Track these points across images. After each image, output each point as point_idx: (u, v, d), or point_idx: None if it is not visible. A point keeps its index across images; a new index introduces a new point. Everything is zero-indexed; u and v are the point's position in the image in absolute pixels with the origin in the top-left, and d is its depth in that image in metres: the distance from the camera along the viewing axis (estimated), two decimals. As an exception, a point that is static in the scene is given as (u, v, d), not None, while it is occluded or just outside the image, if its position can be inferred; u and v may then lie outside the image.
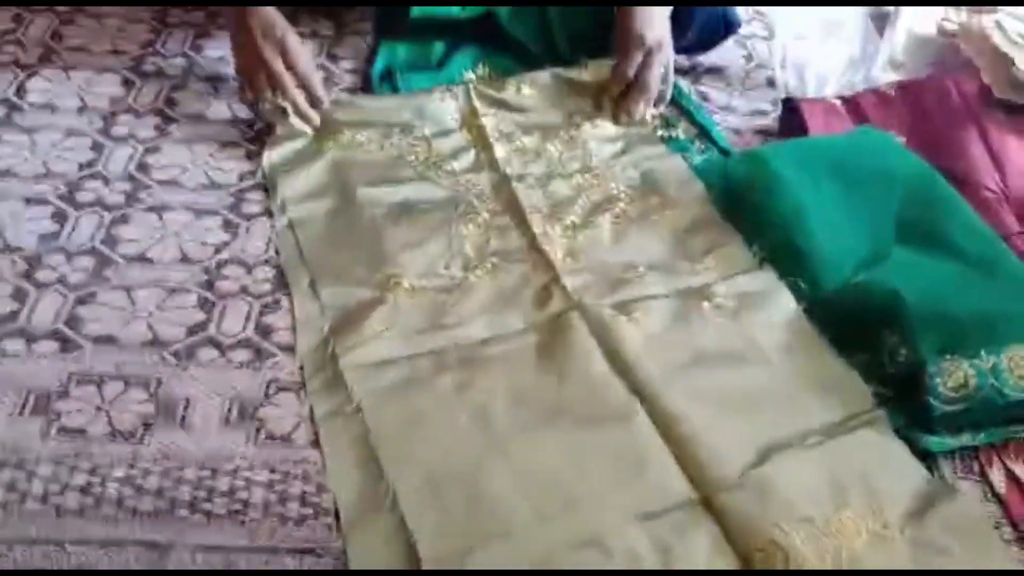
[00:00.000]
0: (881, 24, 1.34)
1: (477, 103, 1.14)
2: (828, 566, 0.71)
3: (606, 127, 1.13)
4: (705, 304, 0.92)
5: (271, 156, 1.06)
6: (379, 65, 1.21)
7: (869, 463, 0.79)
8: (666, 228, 1.01)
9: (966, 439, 0.84)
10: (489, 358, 0.86)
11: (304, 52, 1.07)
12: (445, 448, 0.79)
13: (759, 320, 0.91)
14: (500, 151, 1.09)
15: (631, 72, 1.12)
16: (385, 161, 1.07)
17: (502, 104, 1.15)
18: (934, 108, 1.16)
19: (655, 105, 1.15)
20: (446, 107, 1.14)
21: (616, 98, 1.14)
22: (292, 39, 1.05)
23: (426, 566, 0.70)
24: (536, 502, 0.74)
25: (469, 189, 1.04)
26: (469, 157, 1.09)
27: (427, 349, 0.86)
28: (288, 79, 1.05)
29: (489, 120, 1.12)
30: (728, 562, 0.72)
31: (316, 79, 1.08)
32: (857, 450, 0.81)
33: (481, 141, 1.10)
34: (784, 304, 0.93)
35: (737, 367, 0.87)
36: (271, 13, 1.05)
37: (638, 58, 1.11)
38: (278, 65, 1.04)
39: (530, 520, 0.73)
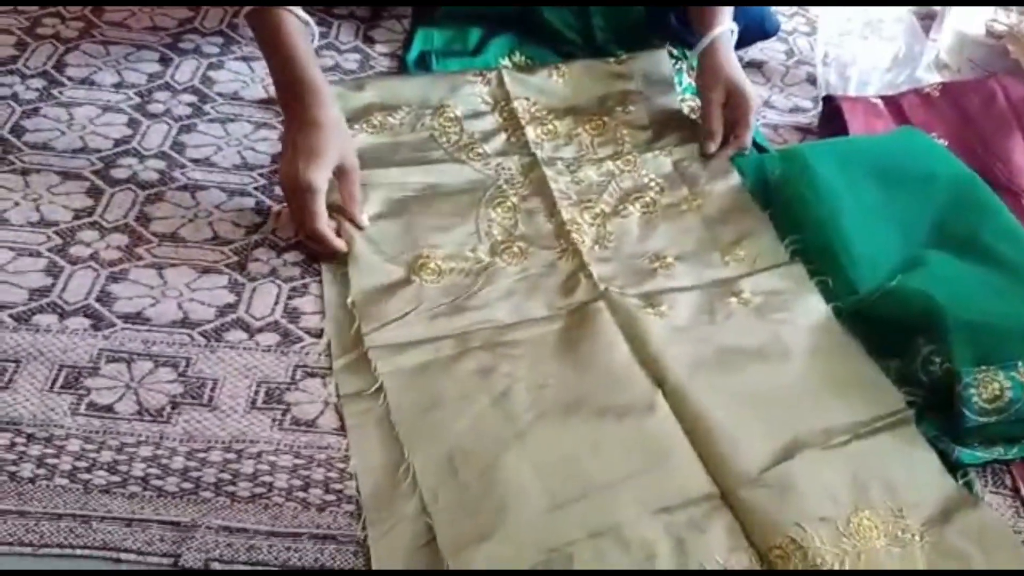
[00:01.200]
0: (928, 23, 1.31)
1: (509, 86, 1.14)
2: (846, 567, 0.71)
3: (639, 114, 1.13)
4: (732, 299, 0.91)
5: None
6: (415, 50, 1.21)
7: (893, 466, 0.79)
8: (697, 218, 1.01)
9: (999, 452, 0.83)
10: (512, 343, 0.86)
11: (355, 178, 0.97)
12: (465, 429, 0.79)
13: (786, 317, 0.90)
14: (531, 134, 1.09)
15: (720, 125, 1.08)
16: (416, 142, 1.07)
17: (534, 88, 1.14)
18: (978, 111, 1.13)
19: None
20: (478, 90, 1.13)
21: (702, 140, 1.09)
22: (350, 161, 0.96)
23: (443, 551, 0.70)
24: (553, 489, 0.74)
25: (500, 173, 1.04)
26: (500, 140, 1.08)
27: (451, 331, 0.87)
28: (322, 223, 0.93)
29: (520, 103, 1.12)
30: (745, 558, 0.71)
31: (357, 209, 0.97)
32: (881, 452, 0.80)
33: (512, 124, 1.10)
34: (813, 302, 0.92)
35: (762, 364, 0.86)
36: (337, 125, 0.95)
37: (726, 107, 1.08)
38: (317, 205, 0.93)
39: (546, 507, 0.73)
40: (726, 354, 0.86)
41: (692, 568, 0.70)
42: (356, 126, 1.07)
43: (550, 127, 1.10)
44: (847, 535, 0.73)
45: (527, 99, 1.13)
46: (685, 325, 0.88)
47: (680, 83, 1.18)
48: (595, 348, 0.86)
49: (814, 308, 0.92)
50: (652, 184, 1.04)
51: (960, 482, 0.80)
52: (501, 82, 1.14)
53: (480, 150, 1.06)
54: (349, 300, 0.89)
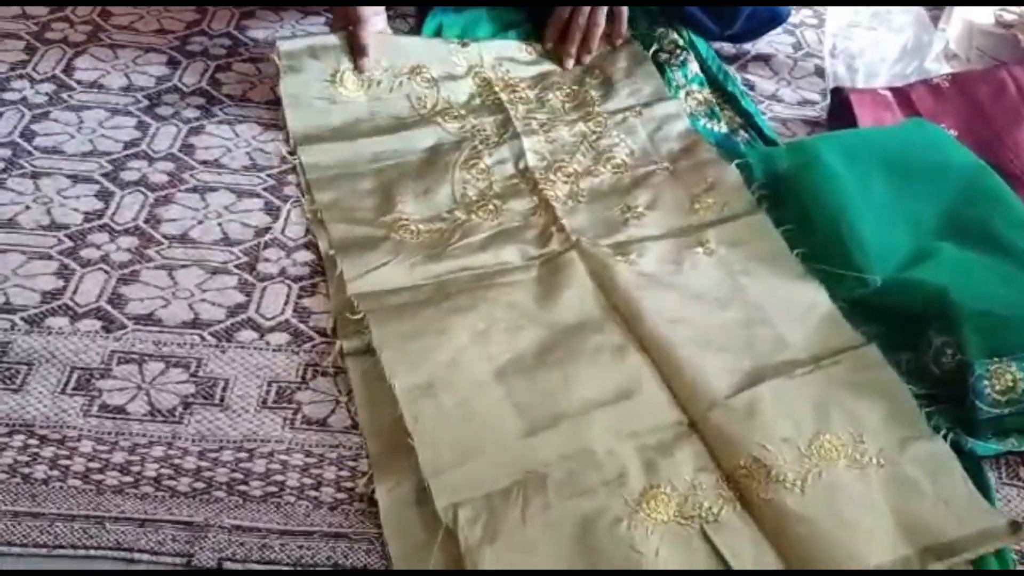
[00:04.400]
0: (936, 13, 1.30)
1: (484, 55, 1.16)
2: (808, 484, 0.74)
3: (609, 79, 1.15)
4: (699, 249, 0.95)
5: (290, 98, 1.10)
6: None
7: (854, 395, 0.82)
8: (665, 173, 1.04)
9: (1012, 443, 0.82)
10: (489, 287, 0.90)
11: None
12: (444, 360, 0.82)
13: (749, 263, 0.94)
14: (504, 96, 1.12)
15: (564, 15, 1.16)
16: (392, 105, 1.10)
17: (509, 57, 1.17)
18: (988, 102, 1.12)
19: (613, 40, 1.17)
20: (455, 55, 1.15)
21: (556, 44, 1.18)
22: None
23: (424, 472, 0.74)
24: (528, 417, 0.79)
25: (475, 135, 1.07)
26: (475, 103, 1.12)
27: (429, 278, 0.91)
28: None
29: (495, 71, 1.15)
30: (711, 478, 0.75)
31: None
32: (843, 382, 0.83)
33: (486, 88, 1.13)
34: (775, 247, 0.96)
35: (724, 308, 0.89)
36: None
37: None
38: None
39: (521, 432, 0.77)
40: (691, 298, 0.90)
41: (660, 482, 0.74)
42: (336, 91, 1.10)
43: (523, 94, 1.13)
44: (808, 455, 0.76)
45: (501, 66, 1.15)
46: (653, 272, 0.92)
47: (686, 75, 1.17)
48: (568, 294, 0.89)
49: (776, 251, 0.96)
50: (622, 145, 1.07)
51: (928, 423, 0.80)
52: (478, 51, 1.16)
53: (455, 113, 1.09)
54: (331, 251, 0.93)
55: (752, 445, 0.76)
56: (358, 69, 1.09)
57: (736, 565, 0.70)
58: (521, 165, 1.04)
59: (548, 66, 1.17)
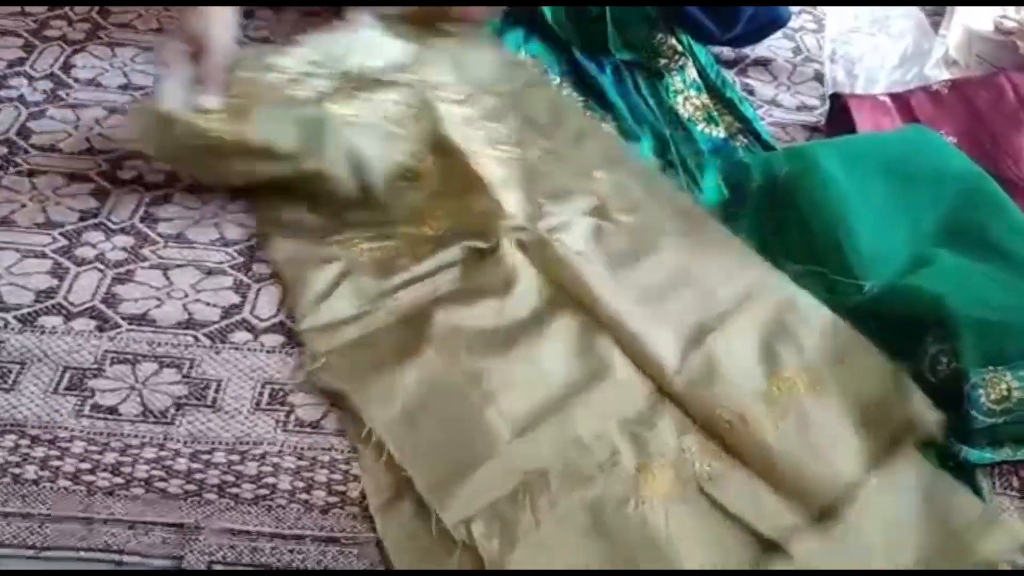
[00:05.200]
0: (936, 20, 1.30)
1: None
2: (782, 424, 0.79)
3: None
4: (607, 222, 0.97)
5: None
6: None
7: (788, 325, 0.88)
8: (556, 152, 1.05)
9: (1007, 453, 0.82)
10: (436, 300, 0.89)
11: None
12: (412, 383, 0.81)
13: (660, 227, 0.97)
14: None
15: None
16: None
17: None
18: (988, 108, 1.12)
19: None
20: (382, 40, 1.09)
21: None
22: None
23: (425, 496, 0.73)
24: (512, 418, 0.78)
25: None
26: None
27: (378, 297, 0.89)
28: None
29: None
30: (696, 439, 0.79)
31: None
32: (774, 318, 0.88)
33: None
34: (678, 205, 1.00)
35: (652, 274, 0.92)
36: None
37: None
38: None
39: (510, 436, 0.77)
40: (618, 271, 0.92)
41: (650, 455, 0.77)
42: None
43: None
44: (773, 395, 0.82)
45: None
46: (583, 250, 0.93)
47: (684, 80, 1.17)
48: (517, 289, 0.89)
49: (682, 211, 1.00)
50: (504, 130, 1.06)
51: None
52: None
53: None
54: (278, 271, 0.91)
55: (721, 399, 0.80)
56: (199, 104, 0.94)
57: (739, 513, 0.74)
58: (446, 151, 1.01)
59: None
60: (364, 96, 1.00)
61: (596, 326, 0.87)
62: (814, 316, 0.89)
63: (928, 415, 0.81)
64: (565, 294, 0.90)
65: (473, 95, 1.08)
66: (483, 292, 0.89)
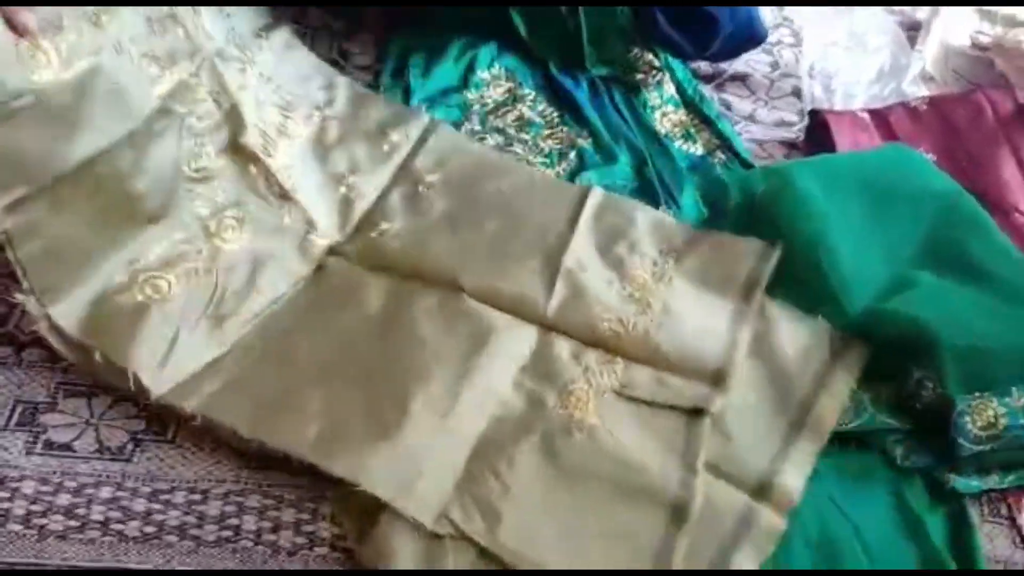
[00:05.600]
0: (913, 35, 1.29)
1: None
2: (654, 319, 0.87)
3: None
4: (420, 188, 0.98)
5: None
6: (391, 62, 1.17)
7: (618, 228, 0.95)
8: (342, 125, 1.01)
9: (994, 481, 0.81)
10: (284, 330, 0.83)
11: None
12: (318, 411, 0.77)
13: (468, 177, 0.99)
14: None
15: None
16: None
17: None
18: (966, 126, 1.11)
19: None
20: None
21: None
22: None
23: (396, 504, 0.71)
24: (431, 407, 0.77)
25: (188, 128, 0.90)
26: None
27: (223, 347, 0.81)
28: None
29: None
30: (592, 356, 0.85)
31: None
32: (605, 225, 0.95)
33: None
34: (477, 152, 1.03)
35: (482, 223, 0.94)
36: None
37: None
38: None
39: (438, 421, 0.77)
40: (452, 232, 0.93)
41: (564, 386, 0.82)
42: None
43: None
44: (637, 299, 0.89)
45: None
46: (406, 226, 0.93)
47: (661, 95, 1.15)
48: (361, 294, 0.87)
49: (483, 156, 1.02)
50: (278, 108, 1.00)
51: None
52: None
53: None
54: (97, 356, 0.76)
55: (595, 314, 0.87)
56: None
57: (656, 399, 0.82)
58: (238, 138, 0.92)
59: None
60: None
61: (453, 295, 0.87)
62: (640, 217, 0.96)
63: (758, 254, 0.93)
64: (410, 281, 0.88)
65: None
66: (331, 303, 0.86)
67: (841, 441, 0.83)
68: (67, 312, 0.77)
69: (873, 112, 1.14)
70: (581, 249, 0.93)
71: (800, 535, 0.76)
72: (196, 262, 0.83)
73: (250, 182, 0.91)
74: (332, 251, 0.91)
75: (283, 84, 1.02)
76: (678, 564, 0.72)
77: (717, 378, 0.84)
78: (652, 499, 0.75)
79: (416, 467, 0.73)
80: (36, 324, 0.76)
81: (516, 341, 0.85)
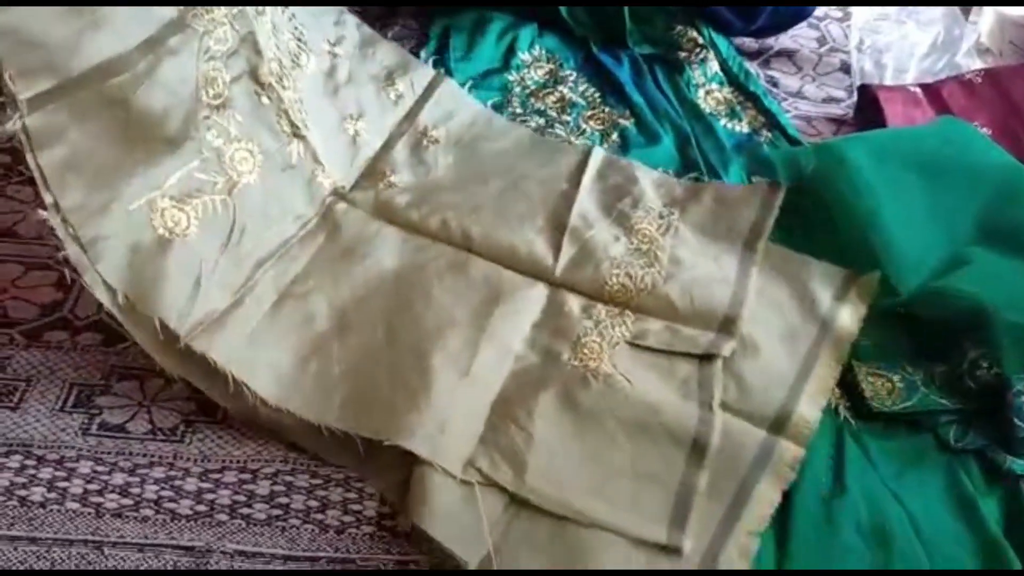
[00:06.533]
0: (967, 6, 1.25)
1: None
2: (659, 269, 0.89)
3: None
4: (428, 145, 1.00)
5: None
6: (431, 43, 1.17)
7: (619, 184, 0.96)
8: (345, 70, 1.01)
9: (1053, 463, 0.78)
10: (296, 277, 0.85)
11: None
12: (343, 368, 0.79)
13: (474, 133, 1.02)
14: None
15: None
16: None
17: None
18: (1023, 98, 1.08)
19: None
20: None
21: None
22: None
23: (426, 456, 0.73)
24: (450, 365, 0.79)
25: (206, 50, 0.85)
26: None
27: (242, 286, 0.82)
28: None
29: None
30: (602, 310, 0.86)
31: None
32: (606, 184, 0.97)
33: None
34: (474, 109, 1.05)
35: (488, 181, 0.96)
36: None
37: None
38: None
39: (457, 378, 0.78)
40: (460, 189, 0.95)
41: (576, 338, 0.83)
42: None
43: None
44: (644, 252, 0.90)
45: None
46: (414, 182, 0.95)
47: (705, 73, 1.14)
48: (374, 244, 0.89)
49: (485, 116, 1.04)
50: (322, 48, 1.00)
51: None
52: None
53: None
54: (120, 297, 0.75)
55: (605, 270, 0.89)
56: None
57: (668, 347, 0.84)
58: (254, 75, 0.88)
59: None
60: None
61: (463, 256, 0.89)
62: (641, 176, 0.97)
63: (762, 201, 0.94)
64: (419, 232, 0.91)
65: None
66: (340, 259, 0.87)
67: (893, 424, 0.81)
68: (93, 235, 0.75)
69: (925, 87, 1.11)
70: (586, 207, 0.94)
71: (851, 521, 0.75)
72: (212, 194, 0.82)
73: (263, 114, 0.88)
74: (340, 196, 0.92)
75: (297, 13, 0.99)
76: (700, 497, 0.74)
77: (726, 324, 0.85)
78: (671, 437, 0.77)
79: (440, 422, 0.75)
80: (64, 247, 0.74)
81: (527, 300, 0.87)
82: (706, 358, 0.83)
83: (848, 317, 0.86)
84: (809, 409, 0.80)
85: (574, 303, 0.87)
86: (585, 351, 0.83)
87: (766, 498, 0.74)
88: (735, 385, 0.82)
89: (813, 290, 0.89)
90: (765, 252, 0.91)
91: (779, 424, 0.79)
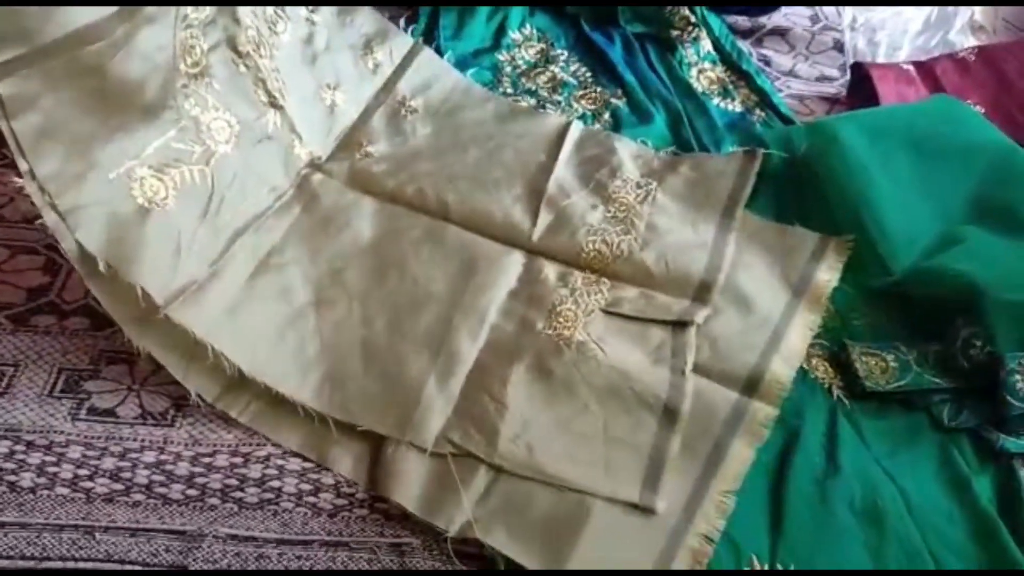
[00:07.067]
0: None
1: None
2: (636, 236, 0.90)
3: None
4: (406, 115, 1.00)
5: None
6: (421, 21, 1.15)
7: (597, 153, 0.97)
8: (323, 38, 0.98)
9: (1046, 441, 0.79)
10: (271, 250, 0.85)
11: None
12: (318, 346, 0.80)
13: (451, 103, 1.02)
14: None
15: None
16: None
17: None
18: (1017, 76, 1.07)
19: None
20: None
21: None
22: None
23: (393, 435, 0.75)
24: (425, 345, 0.80)
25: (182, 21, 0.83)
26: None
27: (218, 256, 0.81)
28: None
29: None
30: (578, 276, 0.87)
31: None
32: (579, 151, 0.98)
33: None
34: (452, 79, 1.05)
35: (467, 148, 0.97)
36: None
37: None
38: None
39: (432, 352, 0.80)
40: (436, 157, 0.95)
41: (551, 305, 0.84)
42: None
43: None
44: (621, 219, 0.91)
45: None
46: (391, 152, 0.96)
47: (698, 52, 1.13)
48: (350, 215, 0.89)
49: (463, 85, 1.05)
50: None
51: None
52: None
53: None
54: (101, 265, 0.74)
55: (581, 237, 0.89)
56: None
57: (642, 314, 0.85)
58: (232, 42, 0.87)
59: None
60: None
61: (440, 225, 0.89)
62: (620, 147, 0.98)
63: (739, 169, 0.95)
64: (394, 201, 0.91)
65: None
66: (315, 231, 0.88)
67: (887, 403, 0.81)
68: (72, 204, 0.73)
69: (919, 64, 1.10)
70: (564, 177, 0.95)
71: (845, 500, 0.75)
72: (190, 164, 0.81)
73: (240, 83, 0.86)
74: (316, 167, 0.92)
75: None
76: (672, 460, 0.75)
77: (702, 290, 0.86)
78: (643, 402, 0.78)
79: (412, 397, 0.76)
80: (43, 214, 0.73)
81: (503, 269, 0.87)
82: (680, 324, 0.84)
83: (825, 272, 0.88)
84: (782, 368, 0.81)
85: (551, 271, 0.88)
86: (560, 320, 0.84)
87: (740, 456, 0.76)
88: (708, 346, 0.83)
89: (790, 253, 0.90)
90: (743, 220, 0.92)
91: (752, 384, 0.80)
